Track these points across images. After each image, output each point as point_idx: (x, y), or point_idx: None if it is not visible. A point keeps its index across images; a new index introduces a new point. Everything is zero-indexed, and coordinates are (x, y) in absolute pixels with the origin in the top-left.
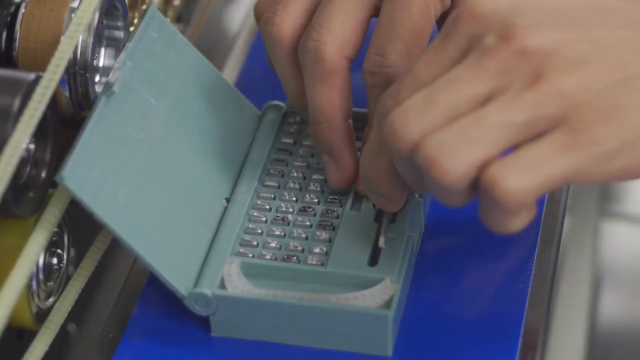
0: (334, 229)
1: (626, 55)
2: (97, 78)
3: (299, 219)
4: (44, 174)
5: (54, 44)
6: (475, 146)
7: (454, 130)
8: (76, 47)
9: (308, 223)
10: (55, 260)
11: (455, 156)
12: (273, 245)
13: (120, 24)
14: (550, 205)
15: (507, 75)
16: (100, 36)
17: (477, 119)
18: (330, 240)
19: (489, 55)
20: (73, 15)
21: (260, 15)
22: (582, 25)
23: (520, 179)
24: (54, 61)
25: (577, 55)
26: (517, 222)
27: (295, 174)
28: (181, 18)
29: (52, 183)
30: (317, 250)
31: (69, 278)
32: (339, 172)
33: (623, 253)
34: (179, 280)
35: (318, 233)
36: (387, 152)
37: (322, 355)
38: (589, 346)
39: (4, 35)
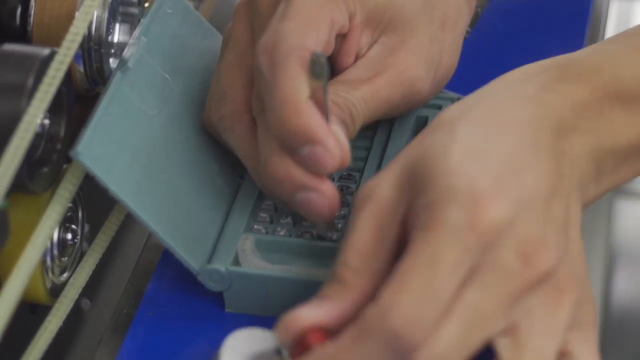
0: (348, 205)
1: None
2: (111, 54)
3: None
4: (58, 149)
5: (69, 19)
6: None
7: None
8: (91, 23)
9: None
10: (69, 236)
11: None
12: (287, 221)
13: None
14: None
15: (530, 299)
16: (115, 12)
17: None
18: (344, 217)
19: (509, 280)
20: None
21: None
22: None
23: None
24: (68, 36)
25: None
26: None
27: None
28: None
29: (66, 158)
30: None
31: (83, 254)
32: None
33: (638, 231)
34: (193, 256)
35: None
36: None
37: None
38: (603, 325)
39: (19, 10)
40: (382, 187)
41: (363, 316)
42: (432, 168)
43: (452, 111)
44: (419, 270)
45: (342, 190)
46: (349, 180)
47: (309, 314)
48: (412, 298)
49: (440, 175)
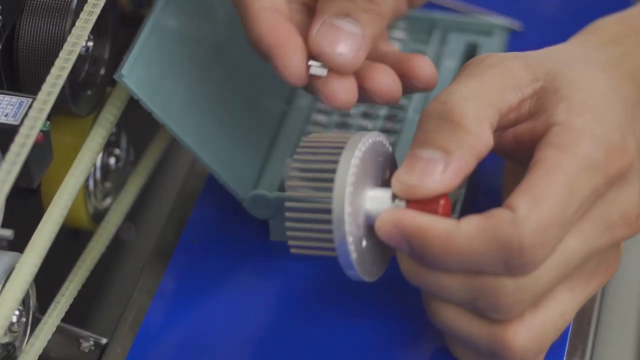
0: (396, 133)
1: None
2: None
3: (361, 123)
4: (102, 72)
5: None
6: None
7: None
8: None
9: (370, 127)
10: (112, 161)
11: None
12: None
13: None
14: None
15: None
16: None
17: None
18: (393, 145)
19: (606, 236)
20: None
21: None
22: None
23: None
24: None
25: None
26: None
27: None
28: None
29: (110, 81)
30: None
31: (126, 179)
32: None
33: None
34: (238, 182)
35: None
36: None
37: None
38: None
39: None
40: (509, 61)
41: (494, 214)
42: (579, 89)
43: (575, 47)
44: (557, 193)
45: (390, 117)
46: (396, 108)
47: (438, 181)
48: (546, 218)
49: (587, 102)
